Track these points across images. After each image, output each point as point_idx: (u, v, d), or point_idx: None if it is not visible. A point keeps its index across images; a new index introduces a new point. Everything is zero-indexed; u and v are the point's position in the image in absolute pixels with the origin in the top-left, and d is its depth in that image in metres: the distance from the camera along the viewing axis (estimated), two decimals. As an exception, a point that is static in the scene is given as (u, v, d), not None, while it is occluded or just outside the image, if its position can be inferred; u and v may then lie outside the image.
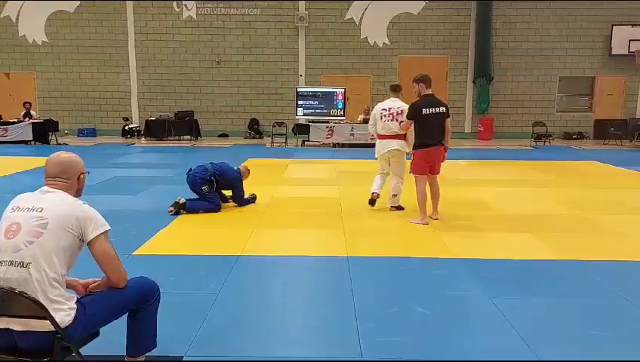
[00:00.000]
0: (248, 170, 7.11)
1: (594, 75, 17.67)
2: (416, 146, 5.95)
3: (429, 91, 5.95)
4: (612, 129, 16.13)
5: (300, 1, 17.27)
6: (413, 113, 5.88)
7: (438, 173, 6.10)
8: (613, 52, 17.10)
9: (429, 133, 5.84)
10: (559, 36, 17.35)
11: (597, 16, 17.17)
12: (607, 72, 17.58)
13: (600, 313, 3.57)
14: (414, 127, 6.04)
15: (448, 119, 5.96)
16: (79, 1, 17.39)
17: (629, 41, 16.84)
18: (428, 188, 6.07)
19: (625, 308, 3.66)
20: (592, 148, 15.16)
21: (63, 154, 2.57)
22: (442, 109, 5.89)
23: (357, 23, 17.42)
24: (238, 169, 6.97)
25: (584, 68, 17.58)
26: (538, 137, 15.95)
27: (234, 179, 6.75)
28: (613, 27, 16.95)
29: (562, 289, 4.00)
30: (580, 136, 17.51)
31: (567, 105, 18.02)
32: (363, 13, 17.37)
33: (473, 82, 17.50)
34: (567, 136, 17.49)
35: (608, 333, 3.25)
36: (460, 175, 9.26)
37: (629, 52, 16.91)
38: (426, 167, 5.95)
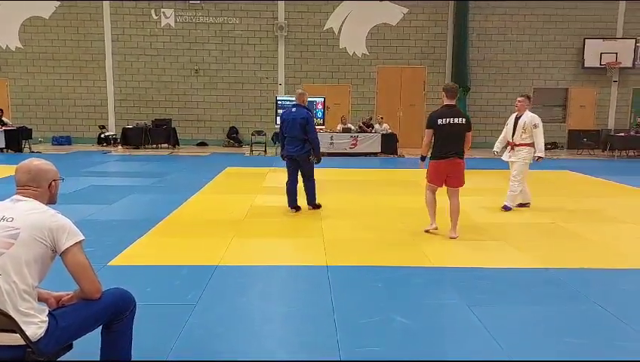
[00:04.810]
0: (304, 94, 7.22)
1: (567, 87, 18.10)
2: (431, 157, 5.85)
3: (450, 101, 5.79)
4: (585, 139, 16.52)
5: (280, 2, 17.32)
6: (430, 123, 5.75)
7: (456, 185, 5.81)
8: (586, 64, 17.56)
9: (443, 144, 5.67)
10: (534, 48, 17.75)
11: (569, 29, 17.63)
12: (579, 84, 18.03)
13: (576, 320, 3.61)
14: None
15: (469, 133, 5.78)
16: (55, 7, 17.13)
17: (601, 54, 17.32)
18: (446, 200, 5.88)
19: (600, 315, 3.71)
20: (565, 158, 15.48)
21: (33, 162, 2.49)
22: (461, 120, 5.69)
23: (336, 33, 17.54)
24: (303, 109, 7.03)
25: (558, 80, 18.01)
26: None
27: (304, 119, 6.87)
28: (586, 40, 17.41)
29: (539, 297, 4.05)
30: (554, 146, 17.86)
31: (542, 116, 18.31)
32: (342, 24, 17.50)
33: (450, 92, 17.73)
34: (542, 146, 17.82)
35: (585, 340, 3.29)
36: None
37: (600, 65, 17.38)
38: (438, 178, 5.82)
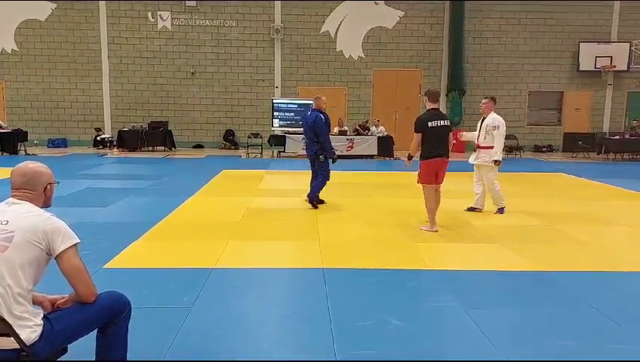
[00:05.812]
0: (319, 98, 7.59)
1: (562, 90, 18.19)
2: (422, 157, 6.16)
3: (434, 105, 6.15)
4: (580, 142, 16.60)
5: (276, 1, 17.34)
6: (420, 126, 6.07)
7: (441, 182, 6.30)
8: (581, 68, 17.65)
9: (434, 145, 6.04)
10: (529, 52, 17.83)
11: (564, 33, 17.73)
12: (574, 87, 18.12)
13: (572, 323, 3.63)
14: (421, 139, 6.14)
15: (450, 133, 6.22)
16: (51, 10, 17.10)
17: (596, 57, 17.42)
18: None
19: (594, 317, 3.73)
20: (560, 160, 15.54)
21: (29, 165, 2.49)
22: (446, 122, 6.13)
23: (332, 37, 17.58)
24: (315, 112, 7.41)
25: (553, 83, 18.09)
26: (509, 150, 16.26)
27: (313, 122, 7.25)
28: (580, 44, 17.51)
29: (535, 300, 4.06)
30: (550, 148, 17.95)
31: (537, 119, 18.48)
32: (338, 27, 17.54)
33: (446, 95, 17.80)
34: (537, 149, 17.91)
35: (579, 342, 3.30)
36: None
37: (595, 68, 17.47)
38: (430, 175, 6.13)
